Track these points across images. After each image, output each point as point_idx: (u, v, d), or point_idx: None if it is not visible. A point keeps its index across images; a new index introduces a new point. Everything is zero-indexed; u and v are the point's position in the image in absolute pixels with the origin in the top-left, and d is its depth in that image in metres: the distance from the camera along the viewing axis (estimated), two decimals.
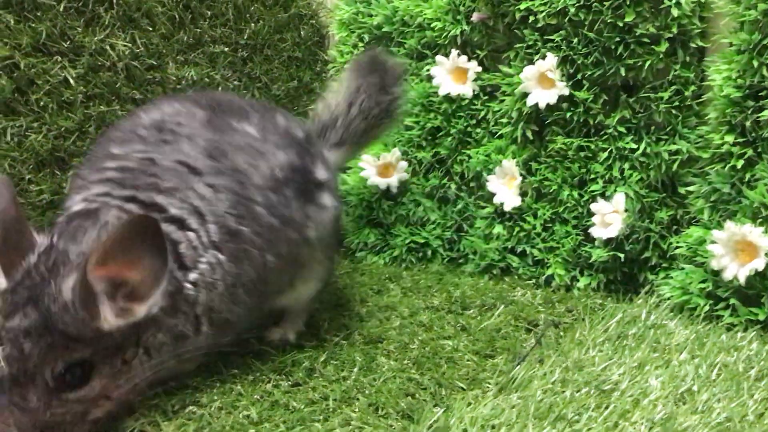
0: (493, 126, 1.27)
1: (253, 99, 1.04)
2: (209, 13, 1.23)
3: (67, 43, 1.02)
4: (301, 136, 0.98)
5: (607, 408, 0.82)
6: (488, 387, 0.89)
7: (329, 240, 0.99)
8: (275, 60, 1.34)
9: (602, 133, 1.17)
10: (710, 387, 0.87)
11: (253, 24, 1.31)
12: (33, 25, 0.98)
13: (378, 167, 1.33)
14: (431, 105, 1.32)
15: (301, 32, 1.40)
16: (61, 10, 1.01)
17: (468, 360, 0.95)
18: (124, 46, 1.08)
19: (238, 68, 1.27)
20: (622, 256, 1.14)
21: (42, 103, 0.98)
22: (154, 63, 1.12)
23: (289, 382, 0.87)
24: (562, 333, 1.04)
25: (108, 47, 1.06)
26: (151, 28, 1.13)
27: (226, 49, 1.25)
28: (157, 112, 0.90)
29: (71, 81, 1.01)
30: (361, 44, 1.40)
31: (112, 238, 0.69)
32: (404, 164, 1.33)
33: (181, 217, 0.81)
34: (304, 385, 0.86)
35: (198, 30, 1.21)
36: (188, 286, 0.79)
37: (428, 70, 1.32)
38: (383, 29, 1.36)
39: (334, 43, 1.46)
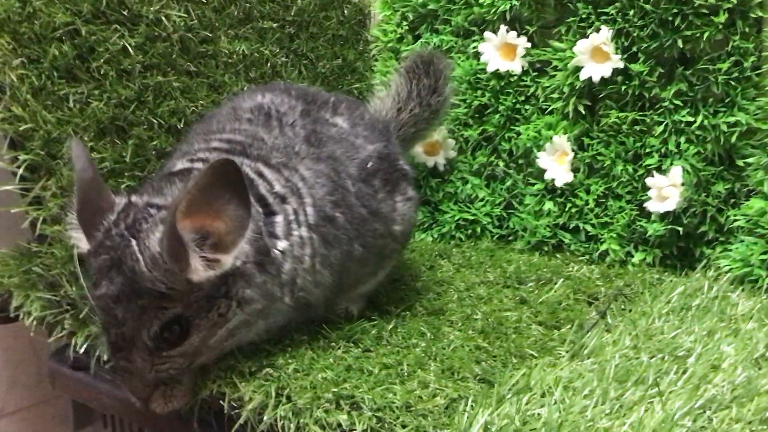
0: (542, 102, 1.26)
1: (338, 94, 1.06)
2: None
3: (126, 11, 1.01)
4: (384, 127, 1.01)
5: (684, 372, 0.81)
6: (560, 354, 0.87)
7: (410, 232, 1.01)
8: (320, 38, 1.33)
9: (657, 106, 1.16)
10: None
11: (299, 1, 1.30)
12: None
13: (424, 146, 1.32)
14: (478, 82, 1.31)
15: (345, 11, 1.39)
16: None
17: (534, 330, 0.94)
18: (179, 17, 1.08)
19: (285, 45, 1.26)
20: (680, 229, 1.13)
21: (102, 71, 0.97)
22: (208, 35, 1.12)
23: (360, 349, 0.86)
24: (623, 306, 1.03)
25: (164, 18, 1.06)
26: (204, 1, 1.12)
27: (274, 25, 1.24)
28: (256, 98, 0.93)
29: (130, 50, 1.00)
30: (405, 23, 1.39)
31: (196, 186, 0.68)
32: (451, 142, 1.32)
33: (284, 195, 0.82)
34: (374, 352, 0.85)
35: (248, 5, 1.20)
36: (276, 252, 0.80)
37: (475, 48, 1.31)
38: (428, 7, 1.35)
39: (376, 23, 1.45)
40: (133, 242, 0.71)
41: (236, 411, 0.75)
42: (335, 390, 0.74)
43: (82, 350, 0.88)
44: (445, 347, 0.88)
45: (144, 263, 0.70)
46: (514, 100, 1.28)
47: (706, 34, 1.09)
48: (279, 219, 0.81)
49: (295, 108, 0.92)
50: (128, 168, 0.98)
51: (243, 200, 0.72)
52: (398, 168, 0.97)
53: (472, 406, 0.72)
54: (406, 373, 0.80)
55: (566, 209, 1.22)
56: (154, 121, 1.02)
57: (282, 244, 0.80)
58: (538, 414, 0.70)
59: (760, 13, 1.08)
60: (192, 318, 0.73)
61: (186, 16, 1.09)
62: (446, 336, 0.91)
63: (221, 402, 0.76)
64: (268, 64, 1.22)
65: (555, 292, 1.06)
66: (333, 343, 0.86)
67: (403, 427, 0.70)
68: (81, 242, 0.75)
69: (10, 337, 1.30)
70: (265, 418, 0.73)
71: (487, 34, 1.28)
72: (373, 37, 1.45)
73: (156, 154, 1.02)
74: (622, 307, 1.03)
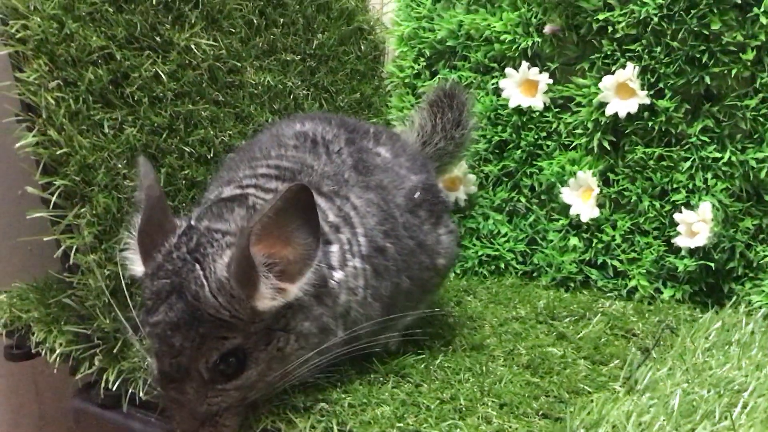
0: (565, 138, 1.26)
1: (376, 124, 1.05)
2: (281, 20, 1.21)
3: (158, 38, 0.99)
4: (424, 159, 1.01)
5: (746, 406, 0.79)
6: (614, 389, 0.85)
7: (451, 266, 1.00)
8: (339, 72, 1.32)
9: (684, 142, 1.16)
10: None
11: (319, 35, 1.29)
12: (128, 17, 0.95)
13: (445, 181, 1.31)
14: (499, 118, 1.31)
15: (362, 46, 1.39)
16: (153, 3, 0.98)
17: (581, 366, 0.92)
18: (208, 45, 1.06)
19: (307, 77, 1.25)
20: (711, 265, 1.12)
21: (136, 97, 0.94)
22: (236, 64, 1.10)
23: (410, 383, 0.83)
24: (662, 341, 1.02)
25: (193, 46, 1.03)
26: (232, 30, 1.11)
27: (296, 58, 1.23)
28: (296, 126, 0.91)
29: (162, 77, 0.97)
30: (422, 59, 1.39)
31: (272, 209, 0.66)
32: (472, 177, 1.31)
33: (338, 224, 0.80)
34: (426, 386, 0.82)
35: (272, 37, 1.19)
36: (333, 282, 0.76)
37: (495, 84, 1.31)
38: (447, 44, 1.35)
39: (391, 59, 1.45)
40: (197, 267, 0.67)
41: None
42: (400, 425, 0.70)
43: (114, 387, 0.83)
44: (495, 382, 0.85)
45: (209, 288, 0.66)
46: (536, 136, 1.28)
47: (733, 71, 1.11)
48: (335, 249, 0.78)
49: (339, 136, 0.90)
50: None
51: (313, 228, 0.69)
52: (441, 200, 0.95)
53: None
54: (464, 408, 0.77)
55: (592, 245, 1.21)
56: (185, 149, 0.99)
57: (338, 275, 0.77)
58: None
59: None
60: (251, 350, 0.69)
61: (215, 44, 1.07)
62: (494, 371, 0.88)
63: None
64: (291, 96, 1.20)
65: (593, 327, 1.04)
66: (382, 378, 0.83)
67: None
68: (135, 264, 0.71)
69: (11, 377, 1.23)
70: None
71: (509, 70, 1.28)
72: (388, 73, 1.44)
73: (186, 183, 0.99)
74: (662, 342, 1.01)
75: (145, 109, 0.95)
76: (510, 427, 0.73)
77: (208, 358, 0.68)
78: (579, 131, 1.24)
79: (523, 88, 1.29)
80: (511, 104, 1.28)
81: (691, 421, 0.74)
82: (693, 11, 1.11)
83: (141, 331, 0.70)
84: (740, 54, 1.10)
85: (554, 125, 1.27)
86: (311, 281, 0.72)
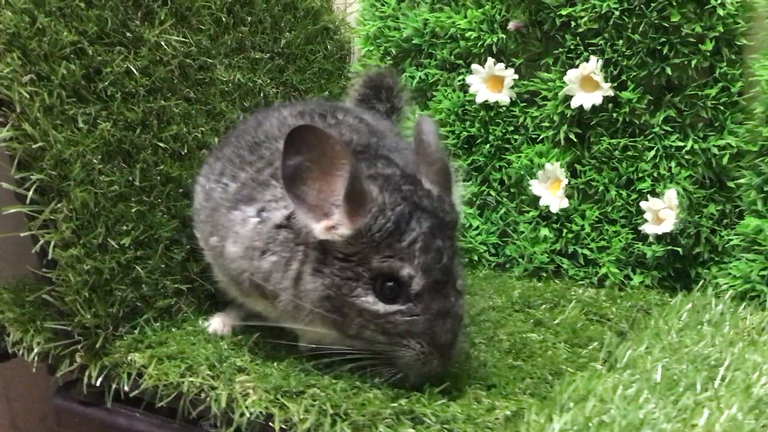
0: (532, 131, 1.28)
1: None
2: (249, 19, 1.21)
3: (129, 34, 0.98)
4: None
5: (724, 379, 0.81)
6: (596, 368, 0.87)
7: None
8: (307, 70, 1.32)
9: (647, 132, 1.19)
10: None
11: (287, 33, 1.29)
12: (98, 12, 0.94)
13: None
14: (466, 114, 1.32)
15: (328, 45, 1.39)
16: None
17: (561, 349, 0.93)
18: (178, 42, 1.05)
19: (276, 76, 1.25)
20: (679, 250, 1.15)
21: (108, 92, 0.93)
22: (206, 61, 1.09)
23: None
24: (637, 324, 1.04)
25: (164, 42, 1.03)
26: (201, 27, 1.10)
27: (265, 56, 1.23)
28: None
29: (134, 72, 0.96)
30: (388, 58, 1.40)
31: None
32: None
33: None
34: None
35: (240, 35, 1.19)
36: None
37: (461, 80, 1.33)
38: (412, 42, 1.37)
39: (358, 58, 1.46)
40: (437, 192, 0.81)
41: None
42: (394, 405, 0.71)
43: (98, 383, 0.82)
44: (480, 366, 0.86)
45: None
46: (503, 131, 1.30)
47: (693, 62, 1.14)
48: None
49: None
50: (136, 192, 0.93)
51: None
52: None
53: (536, 415, 0.70)
54: (453, 390, 0.78)
55: (562, 235, 1.24)
56: (159, 145, 0.98)
57: None
58: (605, 420, 0.69)
59: (745, 41, 1.14)
60: None
61: (185, 41, 1.06)
62: (477, 357, 0.89)
63: (270, 424, 0.71)
64: (261, 94, 1.20)
65: (568, 313, 1.06)
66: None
67: None
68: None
69: None
70: None
71: (475, 66, 1.30)
72: (354, 72, 1.45)
73: (161, 179, 0.97)
74: (636, 325, 1.03)
75: (118, 104, 0.94)
76: (500, 405, 0.74)
77: (458, 264, 0.76)
78: (545, 124, 1.26)
79: (490, 83, 1.31)
80: (478, 100, 1.30)
81: (674, 393, 0.76)
82: (653, 4, 1.14)
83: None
84: (699, 45, 1.14)
85: (521, 119, 1.29)
86: None
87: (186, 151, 1.02)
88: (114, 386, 0.83)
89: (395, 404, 0.71)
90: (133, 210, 0.92)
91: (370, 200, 0.75)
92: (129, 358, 0.83)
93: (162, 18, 1.04)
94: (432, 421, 0.69)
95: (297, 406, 0.71)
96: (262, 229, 0.80)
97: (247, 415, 0.72)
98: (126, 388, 0.82)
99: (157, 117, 0.99)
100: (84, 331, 0.83)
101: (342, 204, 0.75)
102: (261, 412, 0.71)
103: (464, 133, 1.32)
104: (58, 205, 0.83)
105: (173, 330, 0.91)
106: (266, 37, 1.24)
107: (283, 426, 0.71)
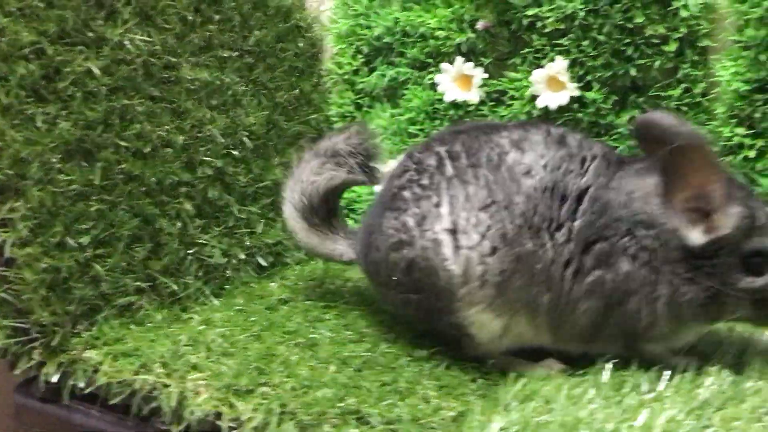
0: None
1: None
2: (217, 17, 1.21)
3: (90, 33, 0.98)
4: None
5: (671, 380, 0.83)
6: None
7: None
8: (278, 68, 1.33)
9: (612, 132, 1.21)
10: None
11: (256, 32, 1.29)
12: (59, 12, 0.94)
13: (385, 175, 1.32)
14: (436, 112, 1.33)
15: (299, 43, 1.40)
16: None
17: None
18: (142, 41, 1.05)
19: (245, 74, 1.25)
20: None
21: (69, 92, 0.93)
22: (171, 60, 1.10)
23: (352, 369, 0.84)
24: None
25: (127, 41, 1.03)
26: (166, 26, 1.11)
27: (233, 54, 1.23)
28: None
29: (96, 71, 0.97)
30: (359, 56, 1.41)
31: None
32: None
33: None
34: (367, 371, 0.84)
35: (208, 33, 1.19)
36: None
37: (431, 79, 1.33)
38: (383, 40, 1.38)
39: (330, 56, 1.46)
40: None
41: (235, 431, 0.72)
42: (341, 405, 0.72)
43: (55, 380, 0.83)
44: (436, 367, 0.87)
45: None
46: None
47: (657, 63, 1.15)
48: None
49: None
50: (96, 191, 0.94)
51: None
52: None
53: (479, 415, 0.71)
54: (404, 390, 0.79)
55: None
56: (121, 144, 0.99)
57: None
58: (547, 420, 0.70)
59: (708, 42, 1.15)
60: None
61: (149, 40, 1.07)
62: (434, 357, 0.90)
63: (218, 423, 0.72)
64: (229, 92, 1.20)
65: None
66: (324, 364, 0.84)
67: None
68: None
69: None
70: None
71: (444, 65, 1.31)
72: (327, 70, 1.46)
73: (123, 177, 0.98)
74: None
75: (78, 103, 0.94)
76: (447, 405, 0.75)
77: None
78: (524, 120, 1.27)
79: (459, 82, 1.32)
80: (447, 98, 1.31)
81: (620, 394, 0.78)
82: (617, 5, 1.15)
83: None
84: (663, 46, 1.15)
85: (490, 118, 1.30)
86: None
87: (149, 149, 1.03)
88: (71, 383, 0.83)
89: (342, 404, 0.72)
90: (93, 208, 0.92)
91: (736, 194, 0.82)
92: (85, 355, 0.84)
93: (125, 17, 1.04)
94: (377, 421, 0.70)
95: (246, 404, 0.72)
96: None
97: (197, 413, 0.73)
98: (82, 385, 0.82)
99: (119, 116, 0.99)
100: (41, 328, 0.84)
101: (722, 204, 0.81)
102: (209, 411, 0.72)
103: (434, 131, 1.33)
104: (16, 204, 0.84)
105: (132, 327, 0.92)
106: (235, 35, 1.25)
107: (231, 425, 0.72)
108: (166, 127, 1.06)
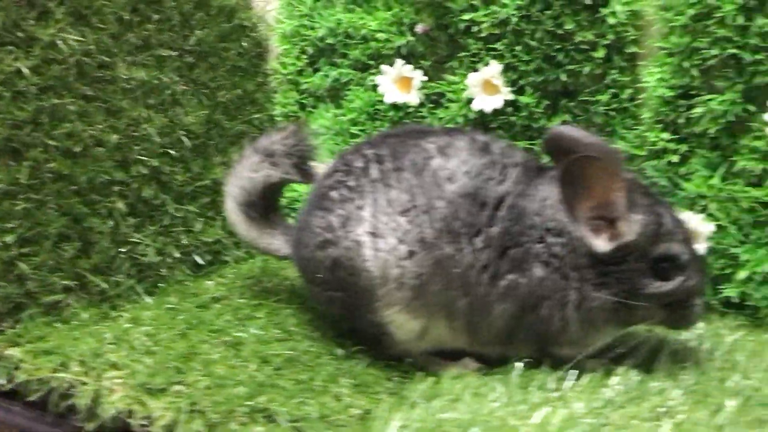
0: None
1: None
2: (156, 17, 1.22)
3: (21, 33, 0.99)
4: None
5: (578, 379, 0.86)
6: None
7: None
8: (220, 68, 1.34)
9: (545, 135, 1.23)
10: None
11: (198, 31, 1.30)
12: None
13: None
14: (377, 113, 1.35)
15: (243, 43, 1.41)
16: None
17: None
18: (75, 41, 1.06)
19: (185, 73, 1.26)
20: None
21: None
22: (106, 60, 1.10)
23: (272, 367, 0.86)
24: None
25: (60, 41, 1.04)
26: (101, 26, 1.11)
27: (173, 54, 1.24)
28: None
29: (25, 71, 0.97)
30: (304, 56, 1.43)
31: None
32: None
33: None
34: (287, 369, 0.86)
35: (146, 33, 1.20)
36: None
37: (373, 80, 1.35)
38: (327, 41, 1.39)
39: (275, 56, 1.47)
40: None
41: (146, 429, 0.73)
42: (250, 404, 0.73)
43: None
44: (355, 365, 0.89)
45: None
46: None
47: (586, 69, 1.18)
48: None
49: None
50: (23, 190, 0.95)
51: None
52: None
53: (385, 412, 0.74)
54: (320, 388, 0.81)
55: None
56: (50, 143, 0.99)
57: None
58: (449, 417, 0.72)
59: (635, 49, 1.18)
60: None
61: (83, 40, 1.07)
62: (355, 356, 0.92)
63: (128, 420, 0.74)
64: (168, 92, 1.21)
65: None
66: (244, 362, 0.86)
67: None
68: None
69: None
70: None
71: (384, 67, 1.33)
72: (272, 70, 1.47)
73: (51, 177, 0.99)
74: None
75: (6, 103, 0.95)
76: (358, 403, 0.77)
77: None
78: (451, 126, 1.29)
79: (399, 84, 1.34)
80: (388, 100, 1.33)
81: (527, 392, 0.80)
82: (548, 12, 1.18)
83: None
84: (591, 52, 1.18)
85: (428, 120, 1.32)
86: None
87: (80, 148, 1.03)
88: None
89: (252, 402, 0.74)
90: (19, 207, 0.93)
91: (639, 202, 0.85)
92: (7, 352, 0.85)
93: (58, 17, 1.04)
94: (284, 419, 0.72)
95: (157, 403, 0.74)
96: None
97: (111, 411, 0.75)
98: (2, 382, 0.83)
99: (49, 115, 1.00)
100: None
101: (624, 213, 0.83)
102: (120, 408, 0.74)
103: (375, 132, 1.35)
104: None
105: (58, 325, 0.93)
106: (175, 34, 1.25)
107: (143, 422, 0.74)
108: (99, 126, 1.07)
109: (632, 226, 0.84)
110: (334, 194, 0.93)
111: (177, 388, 0.76)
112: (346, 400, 0.78)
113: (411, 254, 0.87)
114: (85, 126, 1.05)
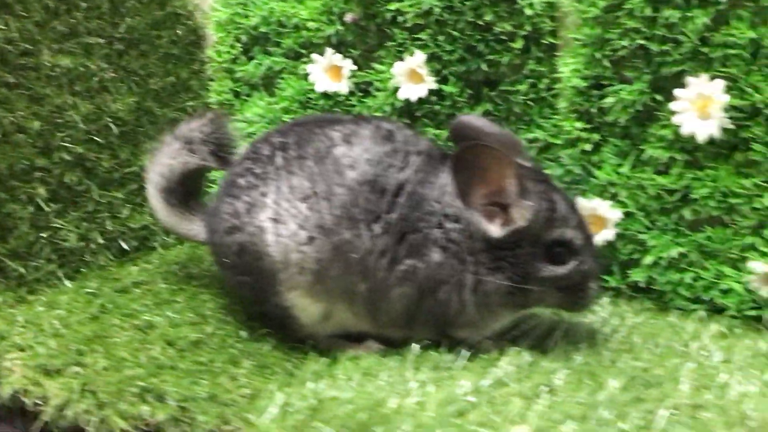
0: None
1: None
2: (84, 5, 1.23)
3: None
4: None
5: (473, 357, 0.89)
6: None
7: None
8: (152, 55, 1.35)
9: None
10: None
11: (128, 19, 1.31)
12: None
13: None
14: (309, 102, 1.37)
15: (178, 31, 1.42)
16: None
17: None
18: None
19: (114, 60, 1.27)
20: None
21: None
22: (29, 47, 1.11)
23: (177, 349, 0.88)
24: None
25: None
26: (25, 14, 1.12)
27: (101, 41, 1.25)
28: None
29: None
30: (238, 44, 1.44)
31: None
32: None
33: None
34: (190, 353, 0.88)
35: (73, 20, 1.21)
36: None
37: (304, 69, 1.37)
38: (260, 30, 1.41)
39: (211, 44, 1.49)
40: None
41: (40, 408, 0.76)
42: (142, 384, 0.76)
43: None
44: (261, 347, 0.92)
45: None
46: None
47: (505, 59, 1.21)
48: None
49: None
50: None
51: None
52: None
53: (272, 392, 0.76)
54: (218, 370, 0.84)
55: None
56: None
57: None
58: (334, 395, 0.75)
59: (552, 40, 1.21)
60: None
61: (5, 28, 1.08)
62: (263, 339, 0.95)
63: (24, 399, 0.76)
64: (95, 79, 1.23)
65: None
66: (149, 345, 0.88)
67: (204, 414, 0.74)
68: None
69: None
70: (68, 413, 0.74)
71: (315, 56, 1.35)
72: (208, 58, 1.48)
73: None
74: None
75: None
76: (253, 385, 0.80)
77: None
78: (379, 114, 1.32)
79: (330, 73, 1.36)
80: (318, 89, 1.35)
81: (418, 372, 0.83)
82: (469, 3, 1.20)
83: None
84: (510, 43, 1.21)
85: (358, 109, 1.34)
86: None
87: (1, 135, 1.05)
88: None
89: (144, 383, 0.76)
90: None
91: (532, 189, 0.88)
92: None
93: None
94: (173, 399, 0.75)
95: (52, 383, 0.76)
96: None
97: (8, 390, 0.77)
98: None
99: None
100: None
101: (516, 199, 0.87)
102: (20, 389, 0.76)
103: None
104: None
105: None
106: (104, 22, 1.27)
107: (38, 401, 0.76)
108: (21, 113, 1.09)
109: (524, 213, 0.87)
110: (241, 181, 0.95)
111: (74, 369, 0.79)
112: (242, 381, 0.81)
113: (311, 240, 0.89)
114: (5, 113, 1.07)
